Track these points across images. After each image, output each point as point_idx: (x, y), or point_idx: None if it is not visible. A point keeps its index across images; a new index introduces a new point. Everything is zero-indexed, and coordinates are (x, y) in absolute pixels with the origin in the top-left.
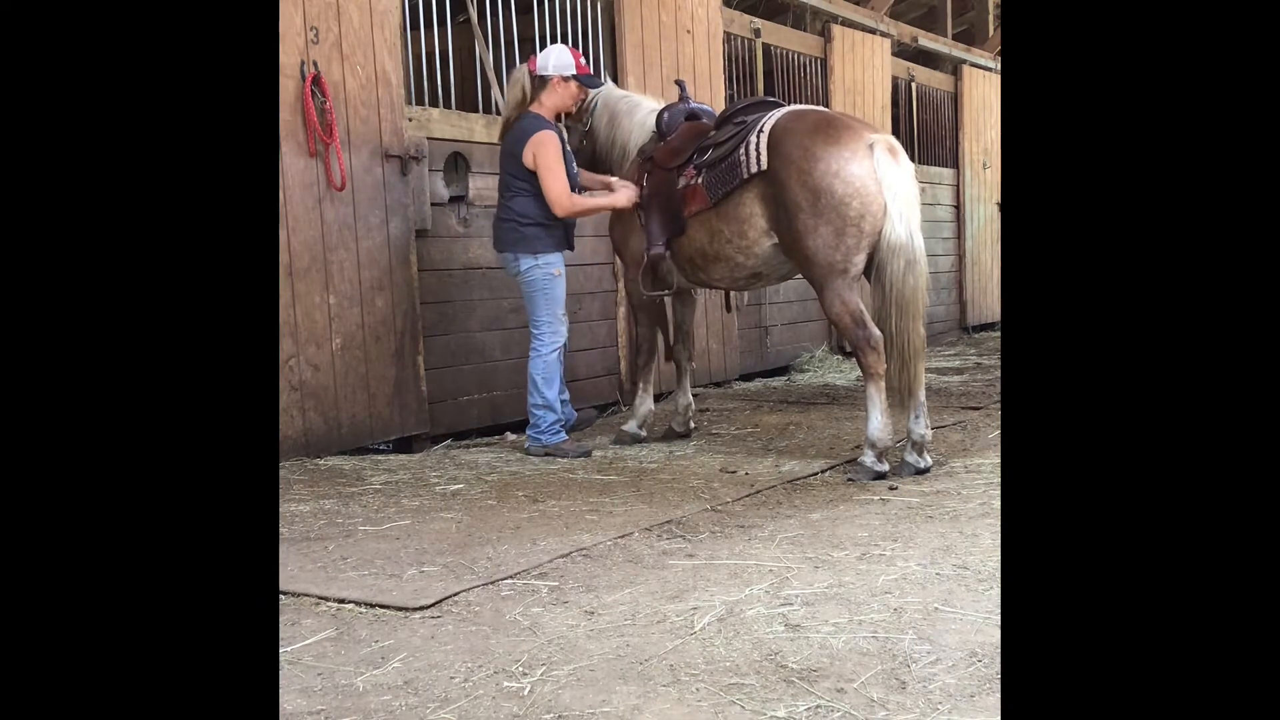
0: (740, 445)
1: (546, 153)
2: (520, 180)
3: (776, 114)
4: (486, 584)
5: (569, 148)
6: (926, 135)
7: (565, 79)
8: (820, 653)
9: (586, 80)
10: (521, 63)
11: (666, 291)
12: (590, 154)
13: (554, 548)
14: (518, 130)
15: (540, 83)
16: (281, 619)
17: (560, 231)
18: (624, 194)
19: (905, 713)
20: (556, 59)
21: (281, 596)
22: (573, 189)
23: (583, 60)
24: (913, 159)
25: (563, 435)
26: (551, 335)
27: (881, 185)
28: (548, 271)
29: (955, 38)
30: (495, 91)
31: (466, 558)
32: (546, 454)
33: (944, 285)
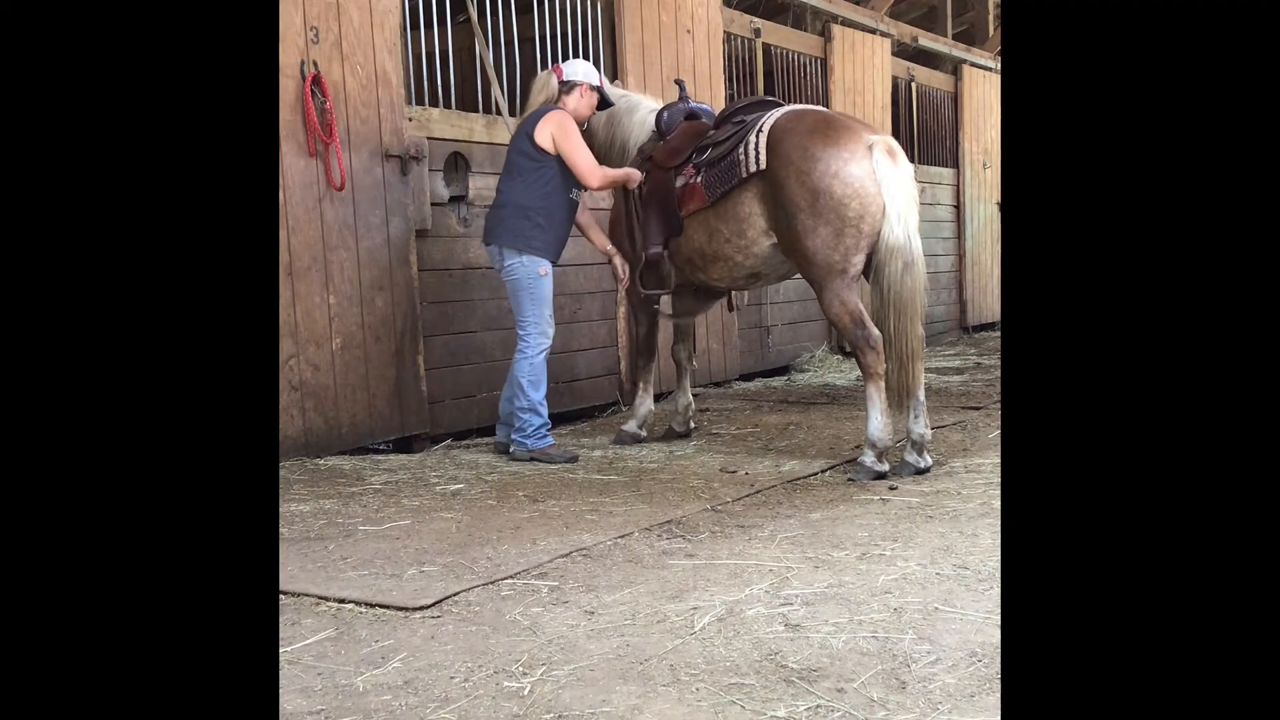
0: (740, 445)
1: (568, 132)
2: (529, 160)
3: (775, 114)
4: (486, 584)
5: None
6: (926, 135)
7: (592, 88)
8: (820, 652)
9: (605, 96)
10: (520, 63)
11: (664, 291)
12: None
13: (554, 548)
14: (532, 114)
15: (567, 87)
16: (281, 619)
17: (554, 237)
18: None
19: (905, 713)
20: (585, 69)
21: (281, 596)
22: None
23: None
24: (913, 159)
25: (549, 439)
26: (539, 336)
27: (880, 186)
28: (533, 270)
29: (955, 38)
30: (495, 92)
31: (466, 558)
32: (532, 459)
33: (944, 285)
